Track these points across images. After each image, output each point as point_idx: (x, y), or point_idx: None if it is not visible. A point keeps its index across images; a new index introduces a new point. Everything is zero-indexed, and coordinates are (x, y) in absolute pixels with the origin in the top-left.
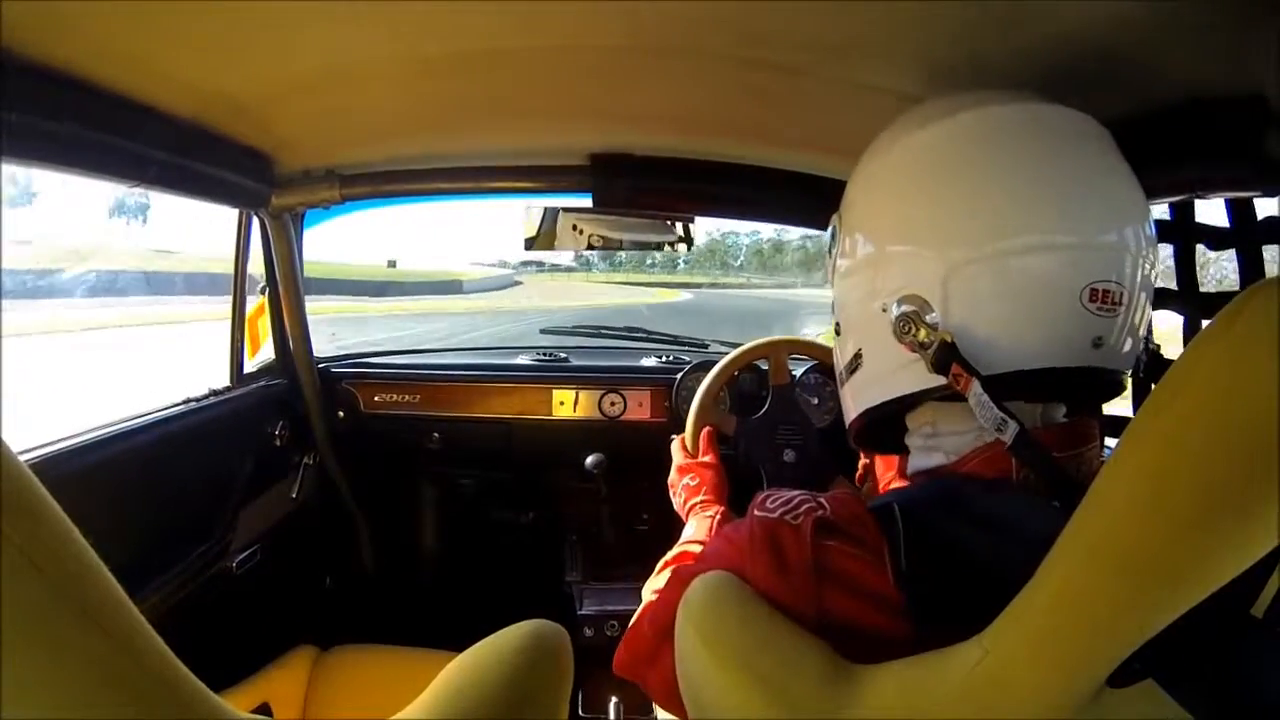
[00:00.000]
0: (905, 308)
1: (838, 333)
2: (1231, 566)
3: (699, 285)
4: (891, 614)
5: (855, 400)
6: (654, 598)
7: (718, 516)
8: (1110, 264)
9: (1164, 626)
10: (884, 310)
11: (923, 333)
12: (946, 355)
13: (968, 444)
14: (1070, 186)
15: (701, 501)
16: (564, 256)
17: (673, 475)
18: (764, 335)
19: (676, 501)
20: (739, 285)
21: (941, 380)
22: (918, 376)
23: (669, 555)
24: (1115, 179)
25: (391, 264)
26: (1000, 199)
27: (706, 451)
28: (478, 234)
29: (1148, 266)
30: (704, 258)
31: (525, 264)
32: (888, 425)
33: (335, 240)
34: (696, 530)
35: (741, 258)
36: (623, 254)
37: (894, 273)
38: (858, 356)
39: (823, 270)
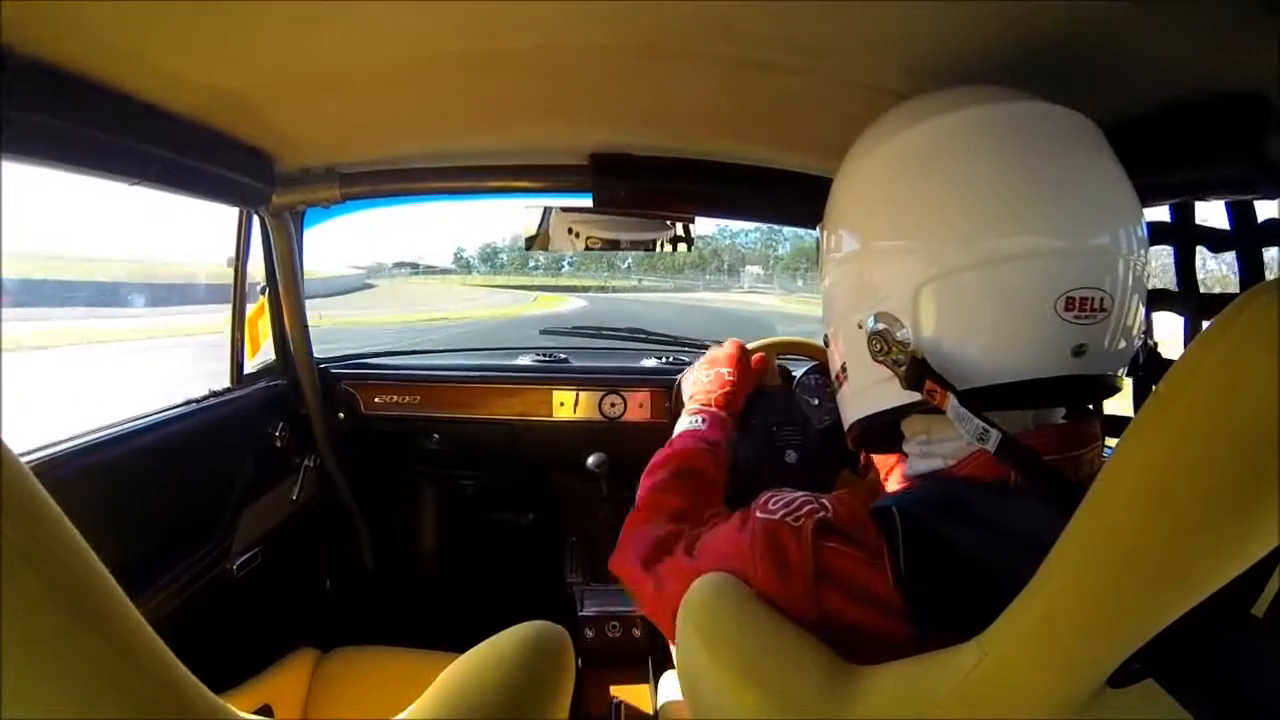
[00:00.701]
0: (877, 326)
1: (826, 344)
2: (1232, 567)
3: (587, 289)
4: (891, 615)
5: (847, 411)
6: (651, 500)
7: (718, 413)
8: (1091, 270)
9: (1164, 626)
10: (860, 327)
11: (895, 350)
12: (918, 372)
13: (964, 448)
14: (1053, 188)
15: (718, 396)
16: (441, 257)
17: (717, 353)
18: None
19: (695, 376)
20: (630, 289)
21: (919, 396)
22: (897, 392)
23: (668, 450)
24: (1104, 179)
25: (230, 263)
26: (978, 202)
27: (760, 365)
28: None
29: (1138, 268)
30: (590, 259)
31: (399, 264)
32: (884, 430)
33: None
34: (689, 422)
35: (629, 260)
36: (504, 256)
37: (869, 285)
38: (844, 370)
39: (724, 272)
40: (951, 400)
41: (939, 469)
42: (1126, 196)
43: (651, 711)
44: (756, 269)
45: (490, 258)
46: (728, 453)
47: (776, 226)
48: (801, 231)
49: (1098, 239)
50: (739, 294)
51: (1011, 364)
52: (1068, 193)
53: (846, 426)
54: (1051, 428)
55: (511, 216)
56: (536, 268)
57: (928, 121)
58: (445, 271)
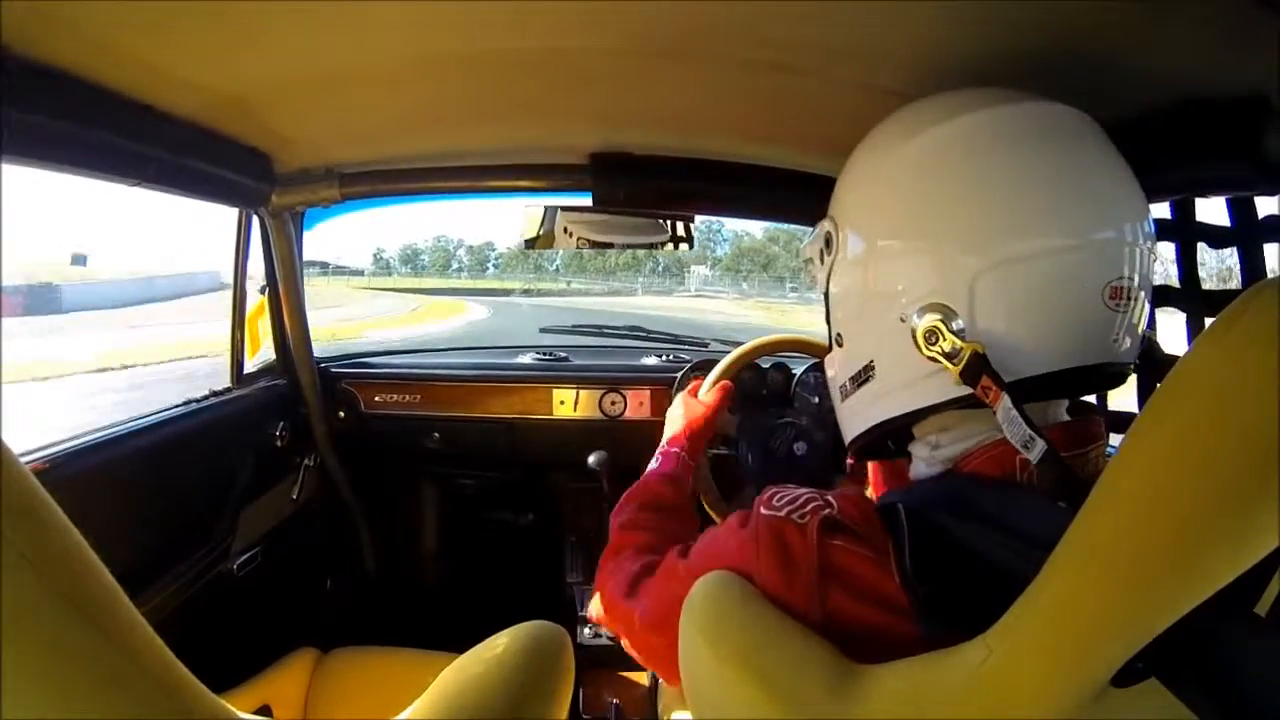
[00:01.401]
0: (931, 317)
1: (838, 344)
2: (1235, 565)
3: (507, 292)
4: (896, 614)
5: (863, 414)
6: (622, 536)
7: (684, 457)
8: (1125, 260)
9: (1168, 625)
10: (902, 320)
11: (950, 342)
12: (978, 367)
13: (973, 447)
14: (1099, 181)
15: (673, 435)
16: (354, 258)
17: (671, 409)
18: None
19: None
20: (558, 292)
21: (966, 391)
22: (940, 387)
23: (633, 488)
24: (1123, 174)
25: (78, 260)
26: (1023, 199)
27: (711, 397)
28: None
29: (1150, 261)
30: (516, 258)
31: (310, 263)
32: (895, 435)
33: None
34: (657, 464)
35: (558, 259)
36: (425, 257)
37: (913, 279)
38: (868, 368)
39: (660, 274)
40: (1004, 401)
41: (941, 472)
42: (1139, 191)
43: (651, 712)
44: (704, 270)
45: (411, 259)
46: (691, 483)
47: (715, 225)
48: (741, 230)
49: (1124, 233)
50: (684, 298)
51: (1061, 352)
52: (1108, 186)
53: (856, 433)
54: (1061, 425)
55: (432, 214)
56: (460, 269)
57: (957, 119)
58: (356, 273)
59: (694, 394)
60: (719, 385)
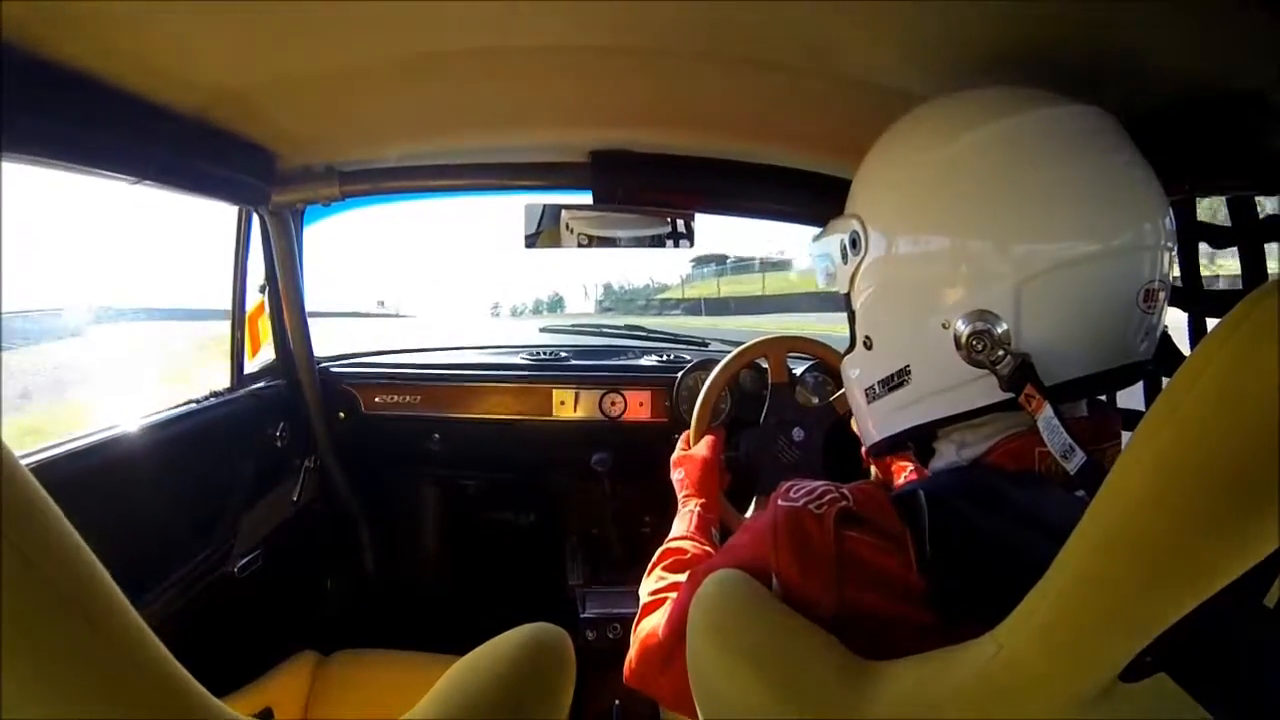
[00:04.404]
0: (976, 325)
1: (866, 346)
2: (1241, 560)
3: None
4: (912, 603)
5: (895, 418)
6: (651, 599)
7: (697, 510)
8: (1157, 263)
9: (1177, 619)
10: (944, 326)
11: (996, 350)
12: (1023, 375)
13: (993, 440)
14: (1126, 187)
15: (685, 495)
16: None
17: (673, 471)
18: None
19: (674, 475)
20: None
21: (1006, 397)
22: (980, 393)
23: (656, 555)
24: (1150, 175)
25: None
26: (1072, 205)
27: (704, 446)
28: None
29: (1172, 261)
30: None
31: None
32: (916, 436)
33: None
34: (676, 525)
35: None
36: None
37: (956, 286)
38: (903, 373)
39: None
40: (1046, 410)
41: (961, 465)
42: (1161, 190)
43: (653, 715)
44: None
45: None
46: (715, 530)
47: None
48: None
49: (1161, 232)
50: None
51: (1097, 356)
52: (1143, 187)
53: (883, 436)
54: (1076, 420)
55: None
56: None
57: (1010, 119)
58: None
59: (686, 445)
60: (707, 441)
